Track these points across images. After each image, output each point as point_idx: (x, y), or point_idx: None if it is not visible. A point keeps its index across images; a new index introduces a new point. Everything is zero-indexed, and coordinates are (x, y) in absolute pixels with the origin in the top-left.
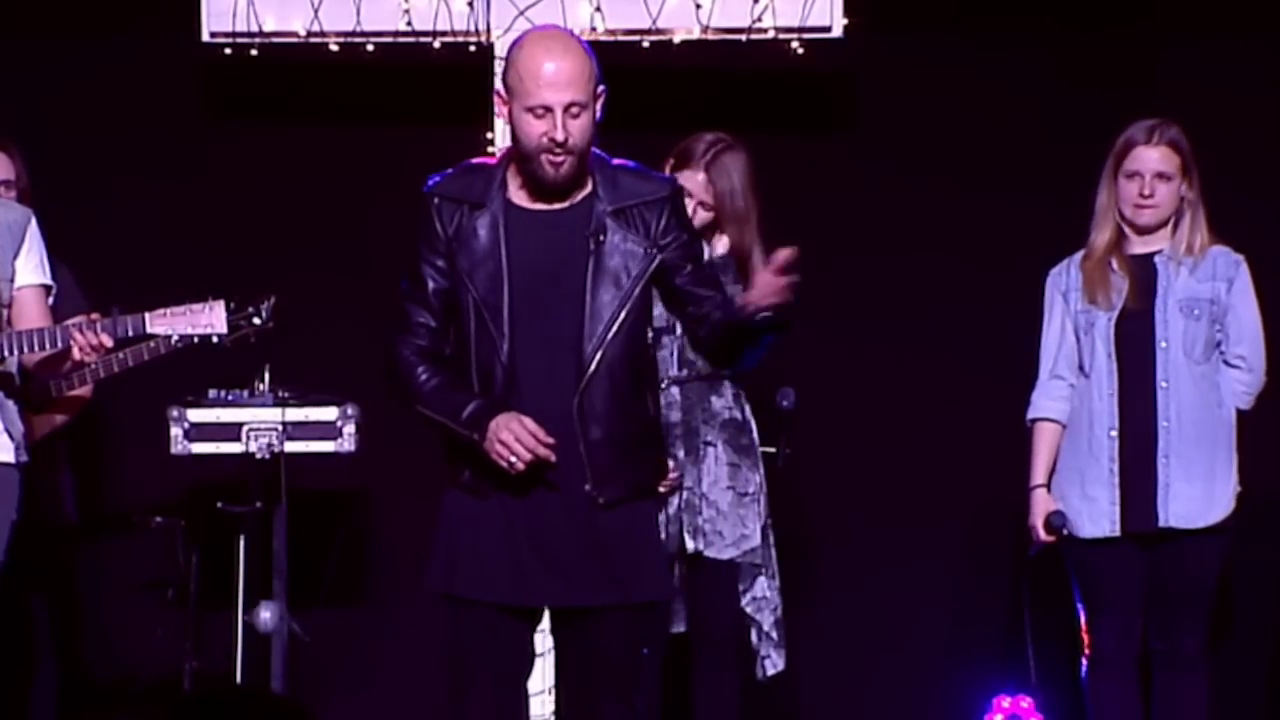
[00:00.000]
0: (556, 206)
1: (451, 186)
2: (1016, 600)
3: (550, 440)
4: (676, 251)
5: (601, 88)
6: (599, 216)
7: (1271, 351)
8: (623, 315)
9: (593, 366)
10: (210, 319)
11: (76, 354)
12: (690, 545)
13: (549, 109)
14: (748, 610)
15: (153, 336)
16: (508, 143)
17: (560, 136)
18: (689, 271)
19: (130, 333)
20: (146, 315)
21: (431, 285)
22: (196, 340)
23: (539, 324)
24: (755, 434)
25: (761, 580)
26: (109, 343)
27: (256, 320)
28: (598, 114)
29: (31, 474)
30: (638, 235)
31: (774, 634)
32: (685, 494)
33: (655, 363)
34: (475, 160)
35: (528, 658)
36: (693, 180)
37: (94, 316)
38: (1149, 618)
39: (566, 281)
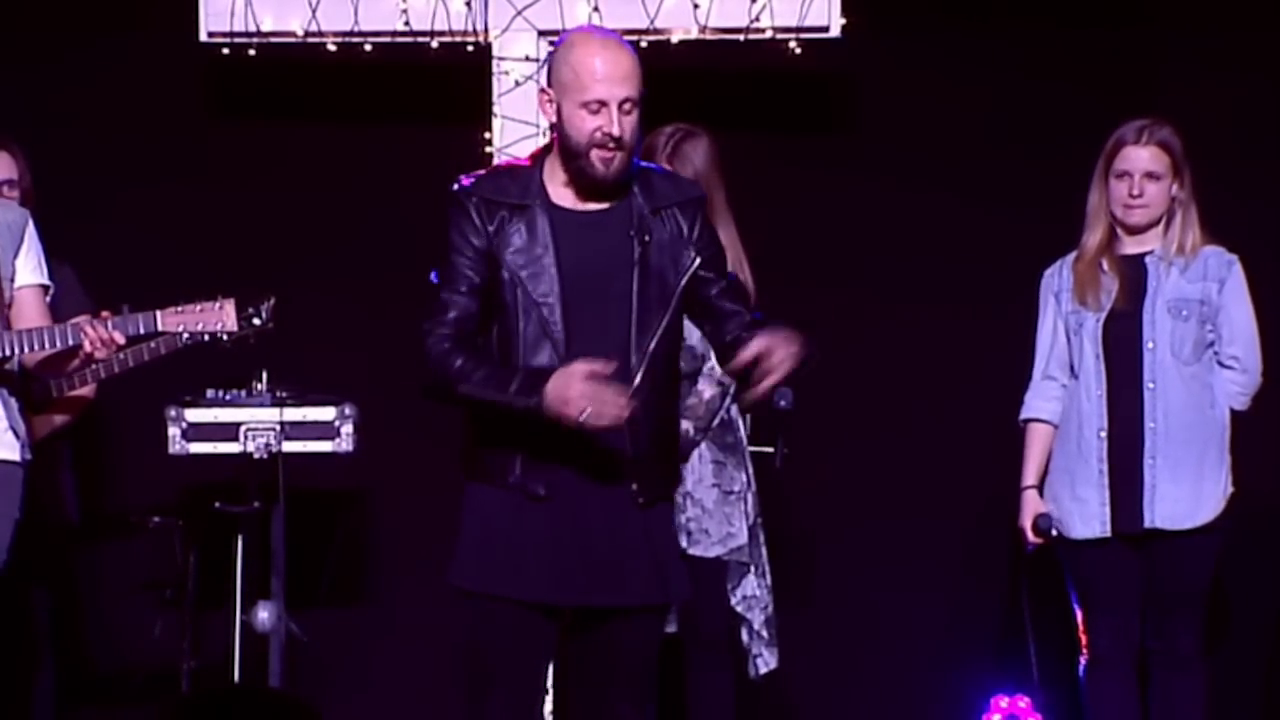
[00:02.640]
0: (599, 207)
1: (489, 187)
2: (1013, 599)
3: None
4: (709, 258)
5: (643, 90)
6: (642, 217)
7: (1267, 352)
8: (668, 317)
9: (641, 370)
10: (221, 317)
11: (87, 347)
12: None
13: (604, 104)
14: (738, 609)
15: (153, 336)
16: (505, 142)
17: (616, 131)
18: (719, 284)
19: (142, 330)
20: (158, 313)
21: (469, 283)
22: (206, 339)
23: (591, 324)
24: (742, 433)
25: (750, 579)
26: (121, 339)
27: (256, 321)
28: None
29: (33, 473)
30: (676, 236)
31: (764, 632)
32: None
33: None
34: (504, 163)
35: (550, 655)
36: None
37: (105, 314)
38: (1145, 618)
39: (614, 282)
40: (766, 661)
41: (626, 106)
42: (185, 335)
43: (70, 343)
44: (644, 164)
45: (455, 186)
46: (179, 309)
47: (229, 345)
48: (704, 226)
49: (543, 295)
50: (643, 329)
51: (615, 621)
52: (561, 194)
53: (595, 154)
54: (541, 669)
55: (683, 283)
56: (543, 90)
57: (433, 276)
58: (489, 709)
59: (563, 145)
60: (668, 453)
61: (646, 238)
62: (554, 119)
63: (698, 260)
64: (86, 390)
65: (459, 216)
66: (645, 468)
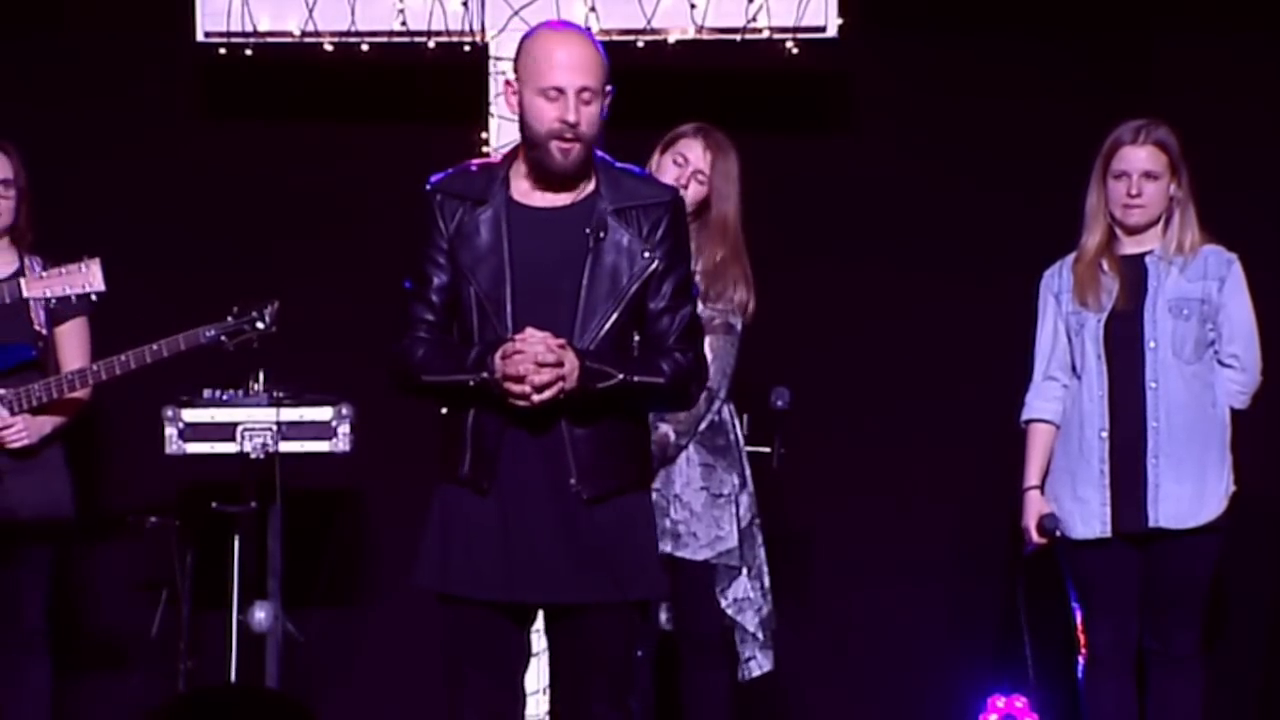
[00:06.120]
0: (559, 203)
1: (454, 184)
2: (1011, 600)
3: (557, 343)
4: (664, 263)
5: (610, 87)
6: (600, 214)
7: (1266, 350)
8: (615, 315)
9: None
10: (87, 278)
11: None
12: (660, 547)
13: (562, 91)
14: (729, 612)
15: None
16: (502, 142)
17: (572, 118)
18: (661, 298)
19: (7, 299)
20: (22, 281)
21: (435, 282)
22: (204, 341)
23: (539, 319)
24: (735, 435)
25: (741, 581)
26: None
27: (260, 325)
28: (604, 111)
29: (31, 471)
30: (636, 236)
31: (760, 635)
32: (654, 496)
33: None
34: (477, 160)
35: (523, 655)
36: (693, 149)
37: None
38: (1143, 617)
39: (566, 278)
40: (760, 664)
41: (586, 96)
42: (52, 299)
43: None
44: (620, 165)
45: (428, 184)
46: (42, 274)
47: (232, 349)
48: (670, 232)
49: (491, 291)
50: (586, 326)
51: (579, 619)
52: (523, 190)
53: (554, 144)
54: (510, 667)
55: (635, 285)
56: (508, 82)
57: (406, 284)
58: (457, 707)
59: (524, 136)
60: (619, 449)
61: (602, 234)
62: (517, 110)
63: (654, 264)
64: (83, 393)
65: (426, 219)
66: (588, 464)
